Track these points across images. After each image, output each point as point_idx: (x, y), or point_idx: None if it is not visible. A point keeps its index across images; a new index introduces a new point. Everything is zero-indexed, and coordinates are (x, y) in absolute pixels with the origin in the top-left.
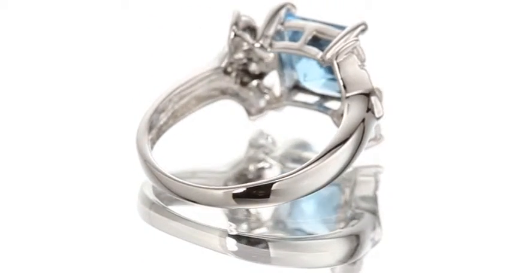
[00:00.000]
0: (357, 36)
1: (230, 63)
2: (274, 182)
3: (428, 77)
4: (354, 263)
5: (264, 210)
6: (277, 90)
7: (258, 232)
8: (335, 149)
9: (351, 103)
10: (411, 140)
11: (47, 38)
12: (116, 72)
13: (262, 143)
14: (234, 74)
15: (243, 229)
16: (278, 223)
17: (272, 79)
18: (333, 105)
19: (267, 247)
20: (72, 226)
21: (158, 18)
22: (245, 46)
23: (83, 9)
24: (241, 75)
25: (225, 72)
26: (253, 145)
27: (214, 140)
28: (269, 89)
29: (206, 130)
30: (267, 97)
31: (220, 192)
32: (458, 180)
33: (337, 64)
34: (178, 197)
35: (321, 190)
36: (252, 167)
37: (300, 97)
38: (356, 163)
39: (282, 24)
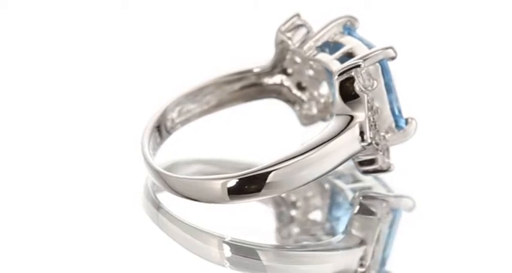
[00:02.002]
0: (375, 60)
1: (280, 64)
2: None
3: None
4: None
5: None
6: (328, 99)
7: (253, 240)
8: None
9: (334, 121)
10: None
11: (50, 38)
12: (126, 71)
13: None
14: (283, 75)
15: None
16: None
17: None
18: None
19: (258, 256)
20: (76, 224)
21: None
22: (290, 49)
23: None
24: (294, 79)
25: (275, 70)
26: None
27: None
28: (321, 97)
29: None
30: (318, 105)
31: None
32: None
33: (339, 82)
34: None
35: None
36: None
37: None
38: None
39: (334, 35)
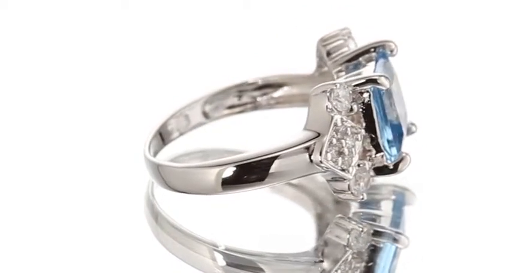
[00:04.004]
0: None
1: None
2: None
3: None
4: None
5: None
6: None
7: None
8: None
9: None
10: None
11: (56, 43)
12: (137, 74)
13: None
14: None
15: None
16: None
17: None
18: None
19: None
20: (72, 228)
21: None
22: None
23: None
24: None
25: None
26: None
27: None
28: None
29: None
30: None
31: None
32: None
33: (312, 99)
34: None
35: None
36: None
37: None
38: None
39: (364, 56)
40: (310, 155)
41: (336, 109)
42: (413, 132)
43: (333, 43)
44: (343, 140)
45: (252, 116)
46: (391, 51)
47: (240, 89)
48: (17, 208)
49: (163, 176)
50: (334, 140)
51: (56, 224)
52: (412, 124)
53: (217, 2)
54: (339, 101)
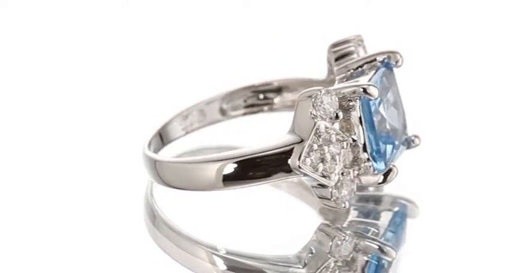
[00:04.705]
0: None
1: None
2: None
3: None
4: None
5: None
6: None
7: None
8: None
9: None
10: None
11: (59, 39)
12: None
13: None
14: None
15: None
16: None
17: None
18: None
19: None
20: (70, 230)
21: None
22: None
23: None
24: None
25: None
26: None
27: None
28: None
29: None
30: None
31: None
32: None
33: (297, 103)
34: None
35: None
36: None
37: None
38: None
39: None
40: (286, 160)
41: (319, 115)
42: (416, 145)
43: (342, 49)
44: (325, 147)
45: (266, 117)
46: (396, 62)
47: (258, 90)
48: (15, 207)
49: (158, 171)
50: (315, 146)
51: (52, 226)
52: (416, 136)
53: (218, 3)
54: (323, 107)
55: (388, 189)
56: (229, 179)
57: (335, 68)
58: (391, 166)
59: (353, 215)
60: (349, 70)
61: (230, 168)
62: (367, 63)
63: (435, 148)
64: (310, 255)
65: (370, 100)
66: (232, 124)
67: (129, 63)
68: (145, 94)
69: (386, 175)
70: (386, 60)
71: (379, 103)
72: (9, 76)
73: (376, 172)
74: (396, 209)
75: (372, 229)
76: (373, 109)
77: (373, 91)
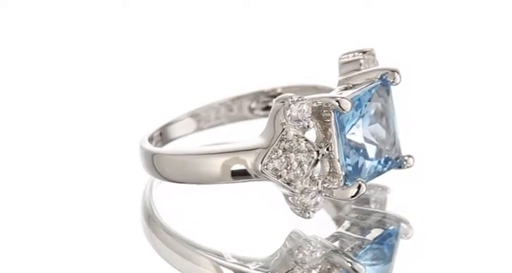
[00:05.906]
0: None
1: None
2: None
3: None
4: None
5: None
6: None
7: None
8: None
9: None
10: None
11: (61, 39)
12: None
13: None
14: None
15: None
16: None
17: None
18: None
19: None
20: (68, 231)
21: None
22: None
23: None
24: None
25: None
26: None
27: None
28: None
29: None
30: None
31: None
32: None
33: (272, 108)
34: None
35: None
36: None
37: None
38: None
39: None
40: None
41: (287, 122)
42: (409, 166)
43: (349, 61)
44: (292, 154)
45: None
46: (393, 79)
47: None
48: (13, 205)
49: (155, 165)
50: (280, 152)
51: (52, 227)
52: (409, 156)
53: (219, 3)
54: (292, 115)
55: (389, 207)
56: None
57: (339, 78)
58: (360, 182)
59: (344, 226)
60: (349, 83)
61: None
62: (358, 76)
63: (437, 169)
64: (278, 261)
65: (343, 113)
66: (232, 126)
67: (128, 63)
68: (145, 94)
69: (357, 190)
70: (384, 76)
71: (359, 117)
72: (9, 76)
73: (344, 186)
74: (391, 227)
75: (355, 243)
76: (348, 122)
77: (345, 105)
